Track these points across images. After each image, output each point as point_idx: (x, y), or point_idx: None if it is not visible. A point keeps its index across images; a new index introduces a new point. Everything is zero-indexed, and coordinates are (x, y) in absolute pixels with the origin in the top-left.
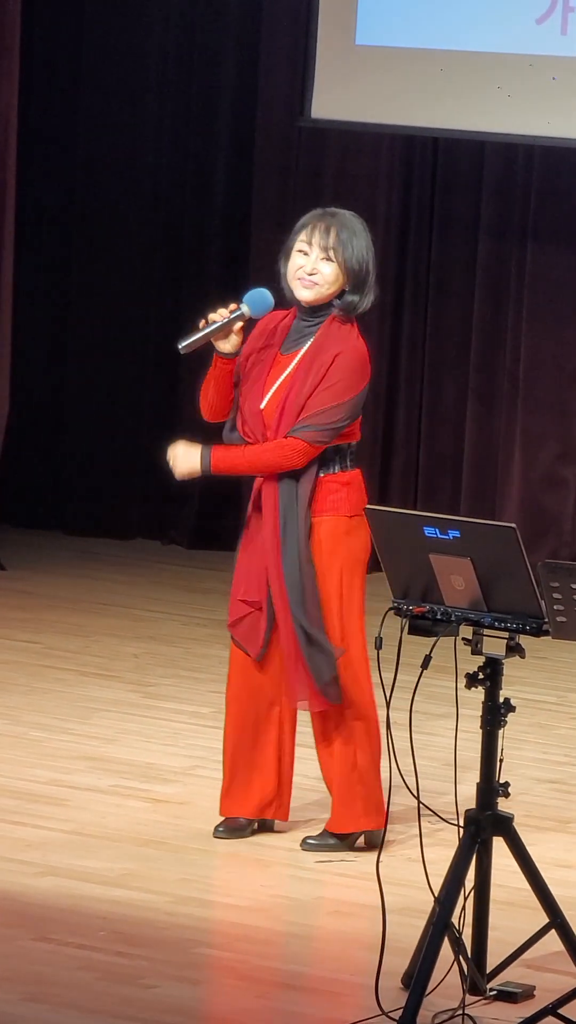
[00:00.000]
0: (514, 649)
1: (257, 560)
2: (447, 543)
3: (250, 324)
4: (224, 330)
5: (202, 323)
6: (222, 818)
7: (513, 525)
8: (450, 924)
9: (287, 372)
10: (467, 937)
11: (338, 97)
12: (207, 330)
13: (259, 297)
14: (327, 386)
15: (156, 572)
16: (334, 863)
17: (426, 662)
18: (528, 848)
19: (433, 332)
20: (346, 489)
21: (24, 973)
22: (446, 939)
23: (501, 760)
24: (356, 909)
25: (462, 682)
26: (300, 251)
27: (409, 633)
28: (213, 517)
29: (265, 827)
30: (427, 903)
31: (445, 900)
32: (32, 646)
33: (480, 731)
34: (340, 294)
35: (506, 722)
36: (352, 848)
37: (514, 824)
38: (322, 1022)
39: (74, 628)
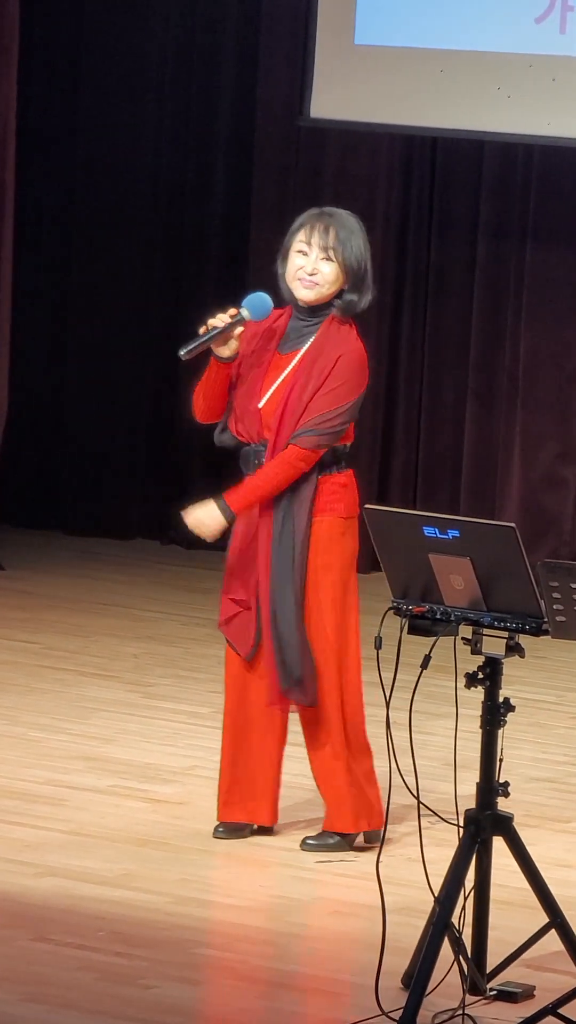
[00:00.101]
0: (513, 649)
1: (247, 558)
2: (447, 543)
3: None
4: (224, 335)
5: (203, 329)
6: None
7: (512, 525)
8: (450, 924)
9: (287, 372)
10: (467, 937)
11: (337, 97)
12: (208, 336)
13: (259, 301)
14: (329, 389)
15: (156, 572)
16: (334, 863)
17: (426, 662)
18: (528, 848)
19: (432, 332)
20: (344, 490)
21: (24, 973)
22: (446, 939)
23: (501, 760)
24: (356, 909)
25: (462, 682)
26: (299, 251)
27: (409, 633)
28: None
29: (264, 828)
30: (427, 903)
31: (445, 900)
32: (31, 646)
33: (480, 731)
34: (339, 293)
35: (506, 722)
36: (352, 846)
37: (514, 824)
38: (322, 1022)
39: (73, 628)
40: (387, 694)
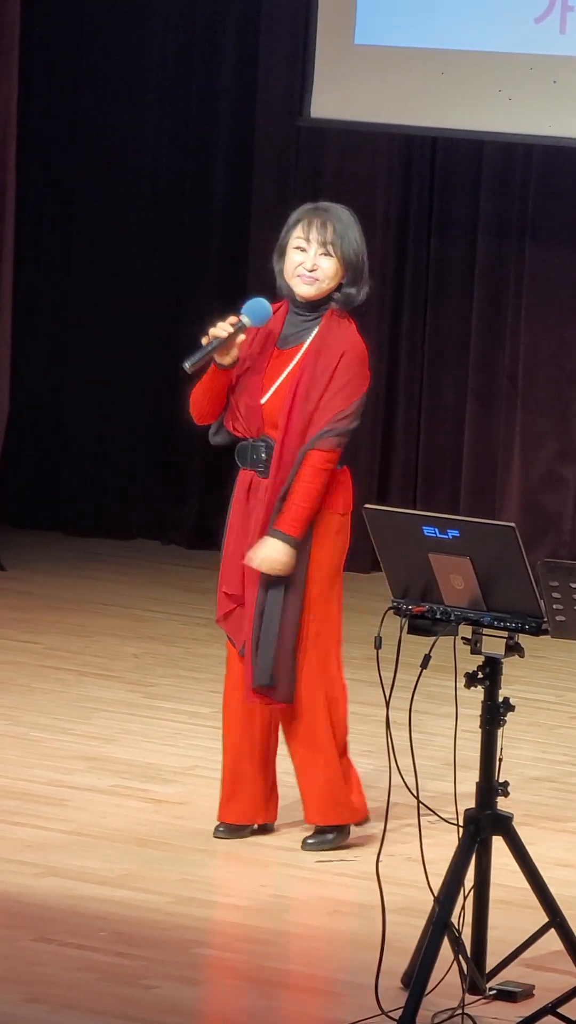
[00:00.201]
0: (513, 648)
1: (241, 553)
2: (446, 542)
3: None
4: (227, 344)
5: (205, 340)
6: None
7: (512, 524)
8: (450, 924)
9: (290, 368)
10: (467, 936)
11: (337, 97)
12: (211, 346)
13: (258, 307)
14: (338, 388)
15: (156, 572)
16: (334, 863)
17: (425, 661)
18: (527, 847)
19: (432, 332)
20: (342, 487)
21: (24, 974)
22: (446, 939)
23: (500, 759)
24: (356, 909)
25: (461, 681)
26: (297, 248)
27: (408, 632)
28: (213, 517)
29: (264, 828)
30: (427, 903)
31: (445, 900)
32: (32, 646)
33: (479, 730)
34: (337, 287)
35: (505, 721)
36: (347, 837)
37: (513, 823)
38: (322, 1022)
39: (74, 628)
40: (387, 694)
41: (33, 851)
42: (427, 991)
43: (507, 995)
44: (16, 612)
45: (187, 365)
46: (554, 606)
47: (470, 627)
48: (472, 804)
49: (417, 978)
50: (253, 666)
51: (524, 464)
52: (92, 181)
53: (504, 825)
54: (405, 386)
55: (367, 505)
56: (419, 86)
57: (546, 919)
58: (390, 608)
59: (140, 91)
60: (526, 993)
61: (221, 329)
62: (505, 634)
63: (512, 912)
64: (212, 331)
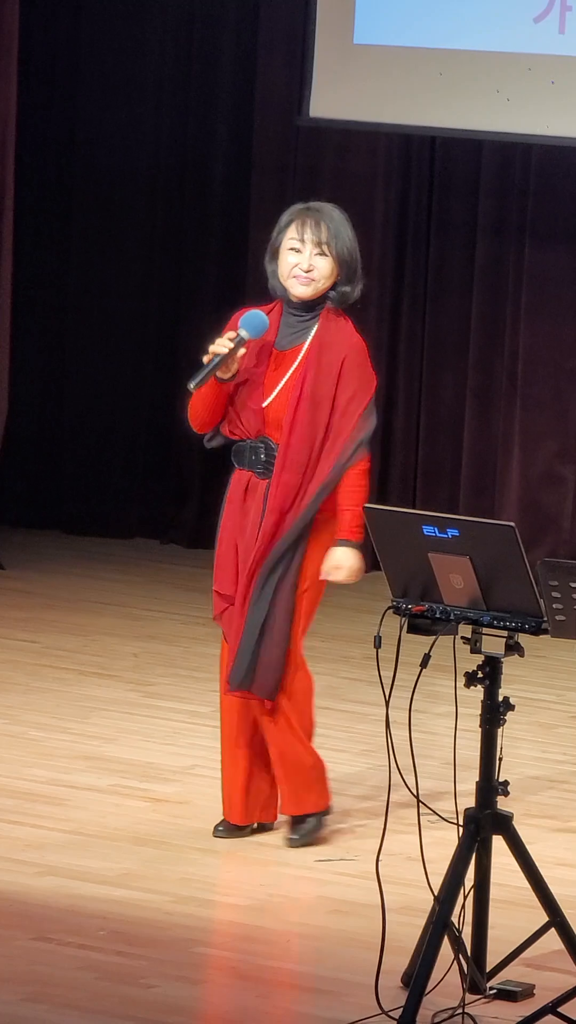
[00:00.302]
0: (513, 648)
1: (233, 551)
2: (446, 542)
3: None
4: (228, 360)
5: (206, 358)
6: (222, 817)
7: (512, 524)
8: (450, 923)
9: (292, 369)
10: (467, 936)
11: (336, 96)
12: (213, 364)
13: (256, 320)
14: (349, 396)
15: (156, 572)
16: (334, 862)
17: (425, 661)
18: (527, 847)
19: (431, 331)
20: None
21: (24, 973)
22: (446, 938)
23: (500, 759)
24: (356, 909)
25: (461, 681)
26: (292, 248)
27: (408, 632)
28: (212, 516)
29: (264, 827)
30: (427, 902)
31: (445, 899)
32: (31, 645)
33: (479, 730)
34: (332, 286)
35: (505, 721)
36: (325, 826)
37: (513, 823)
38: (322, 1022)
39: (73, 628)
40: (387, 693)
41: (32, 850)
42: (427, 990)
43: (507, 994)
44: (15, 611)
45: (191, 385)
46: (554, 605)
47: (470, 626)
48: (472, 803)
49: (417, 977)
50: (235, 660)
51: (523, 463)
52: (91, 181)
53: (504, 824)
54: (404, 385)
55: (367, 505)
56: (418, 86)
57: (546, 918)
58: (390, 607)
59: (139, 91)
60: (526, 992)
61: (221, 345)
62: (505, 633)
63: (512, 911)
64: (212, 348)
